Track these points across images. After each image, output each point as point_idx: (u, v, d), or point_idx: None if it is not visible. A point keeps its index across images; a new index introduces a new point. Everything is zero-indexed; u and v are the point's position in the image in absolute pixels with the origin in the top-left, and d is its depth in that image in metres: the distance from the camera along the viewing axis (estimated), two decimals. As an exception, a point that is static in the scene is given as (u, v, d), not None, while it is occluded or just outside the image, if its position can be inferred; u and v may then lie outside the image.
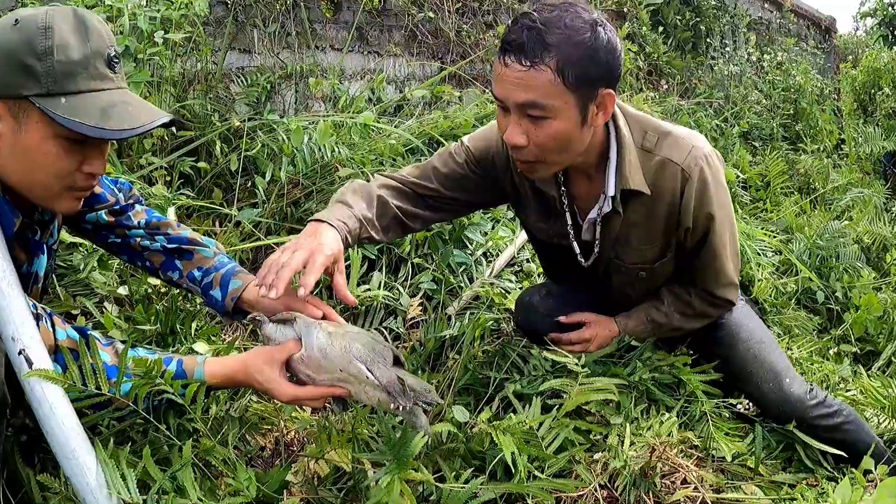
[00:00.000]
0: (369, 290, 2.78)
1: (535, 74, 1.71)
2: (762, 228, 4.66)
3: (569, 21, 1.71)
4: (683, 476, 1.95)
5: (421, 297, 2.91)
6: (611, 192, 1.97)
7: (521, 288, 2.95)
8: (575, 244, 2.17)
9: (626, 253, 2.11)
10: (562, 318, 2.28)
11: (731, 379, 2.29)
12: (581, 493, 1.82)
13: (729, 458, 2.05)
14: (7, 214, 1.46)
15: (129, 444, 1.60)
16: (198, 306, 2.42)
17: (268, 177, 3.26)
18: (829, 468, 2.23)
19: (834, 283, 4.27)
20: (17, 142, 1.41)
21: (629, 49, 6.69)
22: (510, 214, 3.52)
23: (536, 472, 1.79)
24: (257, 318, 1.71)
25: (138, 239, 1.91)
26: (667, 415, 2.10)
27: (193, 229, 2.00)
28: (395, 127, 3.89)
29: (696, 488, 1.91)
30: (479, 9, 5.64)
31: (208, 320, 2.47)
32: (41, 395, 1.35)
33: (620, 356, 2.23)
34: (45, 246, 1.66)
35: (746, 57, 8.94)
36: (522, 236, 3.22)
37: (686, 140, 1.97)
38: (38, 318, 1.43)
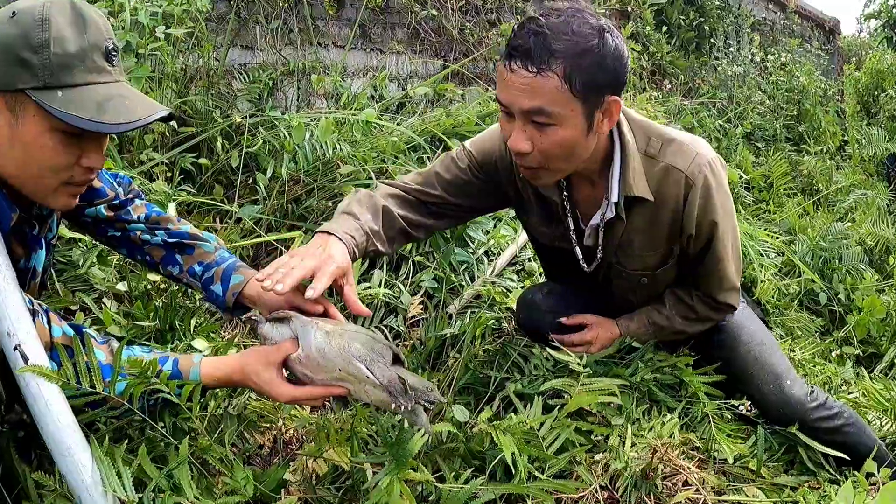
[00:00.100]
0: (370, 287, 2.77)
1: (541, 81, 1.69)
2: (765, 229, 4.66)
3: (576, 27, 1.68)
4: (685, 478, 1.94)
5: (422, 296, 2.90)
6: (614, 198, 1.96)
7: (522, 287, 2.94)
8: (577, 249, 2.16)
9: (628, 259, 2.11)
10: (563, 320, 2.27)
11: (732, 381, 2.28)
12: (582, 494, 1.81)
13: (731, 460, 2.04)
14: (4, 209, 1.44)
15: (126, 441, 1.58)
16: (197, 303, 2.41)
17: (269, 173, 3.26)
18: (831, 471, 2.21)
19: (837, 284, 4.28)
20: (13, 135, 1.40)
21: (632, 48, 6.68)
22: (512, 213, 3.50)
23: (537, 473, 1.78)
24: (253, 317, 1.69)
25: (138, 233, 1.90)
26: (668, 416, 2.09)
27: (194, 226, 1.98)
28: (397, 124, 3.88)
29: (697, 490, 1.90)
30: (482, 7, 5.63)
31: (207, 317, 2.46)
32: (37, 392, 1.33)
33: (622, 357, 2.23)
34: (43, 241, 1.64)
35: (750, 57, 8.94)
36: (524, 235, 3.21)
37: (690, 146, 1.96)
38: (34, 314, 1.41)
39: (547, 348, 2.19)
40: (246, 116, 3.46)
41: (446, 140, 3.71)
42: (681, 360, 2.24)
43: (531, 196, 2.15)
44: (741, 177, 5.64)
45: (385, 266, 2.94)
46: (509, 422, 1.87)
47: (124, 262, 2.49)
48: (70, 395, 1.39)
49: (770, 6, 10.57)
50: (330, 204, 3.17)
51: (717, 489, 1.95)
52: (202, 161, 3.24)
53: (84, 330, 1.50)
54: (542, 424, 1.91)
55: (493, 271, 3.07)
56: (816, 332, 3.75)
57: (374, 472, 1.71)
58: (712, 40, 8.37)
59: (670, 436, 1.99)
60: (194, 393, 1.55)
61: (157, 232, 1.90)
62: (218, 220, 3.12)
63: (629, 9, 7.10)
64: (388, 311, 2.81)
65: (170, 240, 1.90)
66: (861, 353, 3.68)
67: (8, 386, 1.39)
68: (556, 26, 1.68)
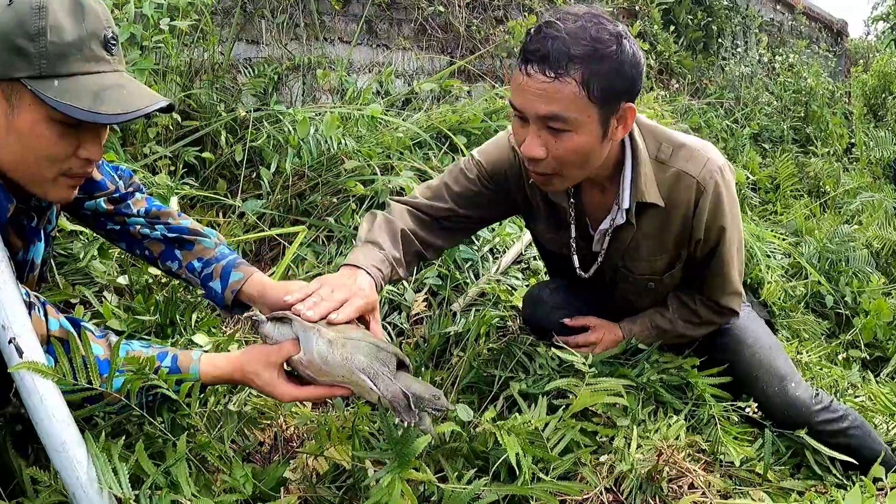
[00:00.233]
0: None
1: (559, 86, 1.67)
2: (771, 231, 4.63)
3: (594, 33, 1.67)
4: (691, 480, 1.92)
5: (426, 293, 2.88)
6: (626, 204, 1.96)
7: (527, 285, 2.92)
8: (575, 257, 2.17)
9: (636, 264, 2.11)
10: (567, 321, 2.28)
11: (737, 383, 2.27)
12: (586, 496, 1.78)
13: (737, 463, 2.02)
14: (0, 200, 1.42)
15: (124, 436, 1.56)
16: (198, 297, 2.39)
17: (273, 168, 3.24)
18: (838, 475, 2.20)
19: (843, 287, 4.27)
20: (10, 126, 1.37)
21: (640, 47, 6.66)
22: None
23: (541, 474, 1.75)
24: (255, 317, 1.66)
25: (138, 227, 1.88)
26: (675, 417, 2.08)
27: (196, 220, 1.96)
28: (402, 120, 3.86)
29: (703, 494, 1.88)
30: (489, 4, 5.61)
31: (209, 312, 2.44)
32: (31, 385, 1.30)
33: (628, 358, 2.22)
34: (42, 233, 1.62)
35: (758, 58, 8.91)
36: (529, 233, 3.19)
37: (701, 152, 1.96)
38: (30, 307, 1.39)
39: (552, 347, 2.17)
40: (250, 110, 3.44)
41: (452, 136, 3.69)
42: (687, 361, 2.23)
43: (540, 203, 2.15)
44: (748, 178, 5.63)
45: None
46: (513, 422, 1.84)
47: (125, 255, 2.47)
48: (66, 390, 1.37)
49: (778, 7, 10.55)
50: (335, 199, 3.16)
51: (724, 492, 1.93)
52: (206, 155, 3.23)
53: (82, 324, 1.48)
54: (546, 425, 1.89)
55: (497, 269, 3.05)
56: (822, 334, 3.73)
57: (376, 471, 1.69)
58: (720, 40, 8.36)
59: (676, 438, 1.98)
60: (193, 389, 1.53)
61: (156, 226, 1.88)
62: (221, 214, 3.10)
63: (637, 7, 7.09)
64: (391, 307, 2.79)
65: (169, 235, 1.88)
66: (867, 357, 3.66)
67: (3, 378, 1.36)
68: (574, 31, 1.67)
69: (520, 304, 2.62)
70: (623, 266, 2.12)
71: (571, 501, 1.78)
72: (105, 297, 2.31)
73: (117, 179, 1.87)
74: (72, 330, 1.44)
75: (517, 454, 1.70)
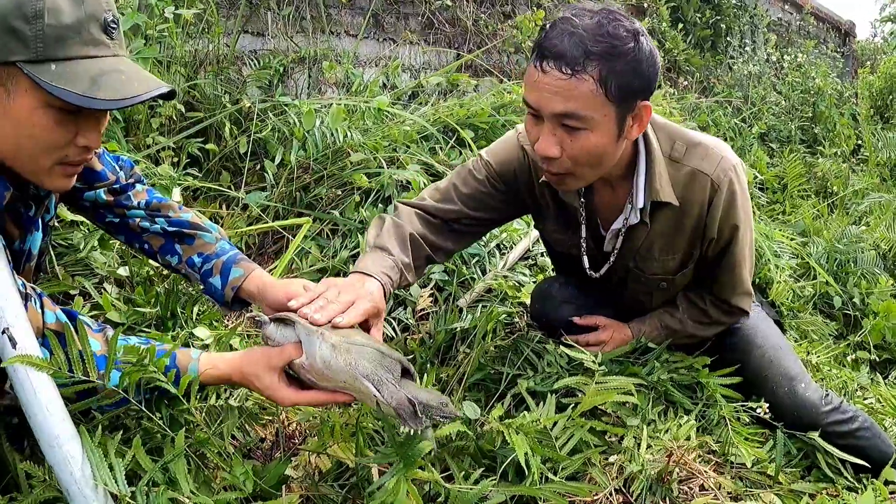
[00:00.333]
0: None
1: (575, 84, 1.64)
2: (779, 231, 4.61)
3: (612, 30, 1.64)
4: (701, 482, 1.91)
5: (432, 288, 2.86)
6: (640, 203, 1.95)
7: (534, 282, 2.90)
8: (585, 258, 2.16)
9: (648, 264, 2.10)
10: (576, 320, 2.27)
11: (746, 383, 2.26)
12: (596, 497, 1.77)
13: (749, 465, 2.00)
14: None
15: (122, 431, 1.52)
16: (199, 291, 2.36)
17: (277, 160, 3.22)
18: (849, 478, 2.18)
19: (851, 288, 4.26)
20: (6, 111, 1.32)
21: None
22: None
23: (549, 475, 1.72)
24: (257, 318, 1.63)
25: (137, 220, 1.84)
26: (685, 418, 2.06)
27: (199, 212, 1.92)
28: (409, 113, 3.83)
29: (714, 496, 1.85)
30: (497, -2, 5.60)
31: (210, 305, 2.40)
32: (24, 377, 1.26)
33: (637, 356, 2.20)
34: (40, 222, 1.58)
35: (766, 57, 8.90)
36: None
37: (715, 150, 1.95)
38: (26, 298, 1.35)
39: (561, 345, 2.14)
40: (255, 102, 3.42)
41: (459, 130, 3.66)
42: (698, 360, 2.22)
43: (549, 202, 2.13)
44: (756, 177, 5.64)
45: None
46: (522, 420, 1.81)
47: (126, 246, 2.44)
48: (60, 383, 1.33)
49: (786, 7, 10.54)
50: (340, 192, 3.13)
51: (734, 494, 1.92)
52: (209, 146, 3.21)
53: (79, 316, 1.44)
54: (555, 424, 1.86)
55: (504, 265, 3.02)
56: (831, 336, 3.70)
57: (381, 475, 1.65)
58: (728, 39, 8.36)
59: (687, 438, 1.96)
60: (192, 386, 1.49)
61: (157, 219, 1.85)
62: (224, 206, 3.08)
63: (645, 4, 7.08)
64: (396, 302, 2.77)
65: (170, 228, 1.84)
66: (876, 359, 3.64)
67: (-1, 369, 1.33)
68: (591, 27, 1.64)
69: (527, 301, 2.60)
70: (635, 266, 2.11)
71: (580, 502, 1.75)
72: (105, 289, 2.28)
73: (118, 170, 1.84)
74: (68, 323, 1.40)
75: (526, 454, 1.66)
